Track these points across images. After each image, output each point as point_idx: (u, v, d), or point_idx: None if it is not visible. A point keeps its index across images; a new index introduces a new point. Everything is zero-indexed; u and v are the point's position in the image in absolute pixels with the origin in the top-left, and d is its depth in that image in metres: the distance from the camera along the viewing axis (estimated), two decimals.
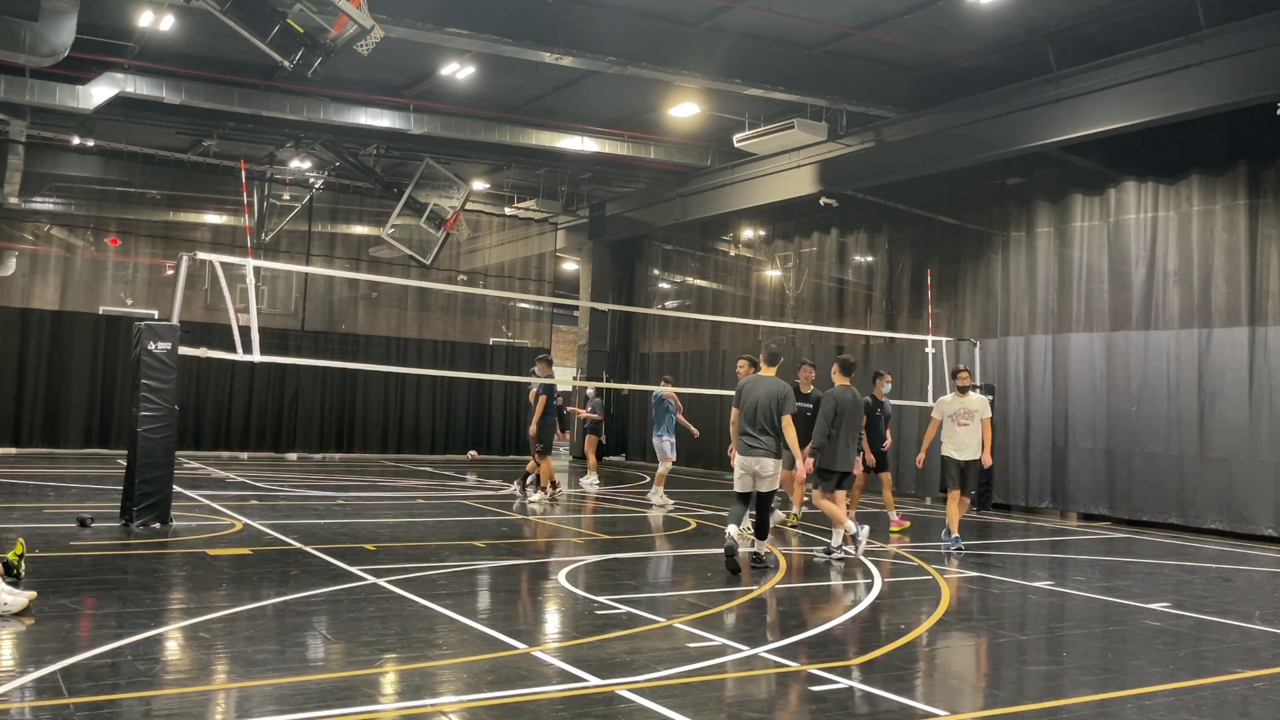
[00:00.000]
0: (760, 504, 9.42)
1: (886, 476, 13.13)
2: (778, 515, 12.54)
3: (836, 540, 10.08)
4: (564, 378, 25.19)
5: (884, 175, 17.36)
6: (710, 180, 20.83)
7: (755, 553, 9.52)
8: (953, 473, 11.13)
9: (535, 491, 14.60)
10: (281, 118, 17.92)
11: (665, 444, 15.41)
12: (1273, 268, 13.59)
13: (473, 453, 23.59)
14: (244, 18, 10.62)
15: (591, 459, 18.28)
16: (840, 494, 10.28)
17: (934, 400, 13.26)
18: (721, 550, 9.11)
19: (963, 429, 11.07)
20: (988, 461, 11.19)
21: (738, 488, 9.36)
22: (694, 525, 12.67)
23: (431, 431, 24.01)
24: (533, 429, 14.34)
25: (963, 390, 11.21)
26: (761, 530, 9.49)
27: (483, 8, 13.14)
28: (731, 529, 9.06)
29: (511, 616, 7.19)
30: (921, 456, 11.68)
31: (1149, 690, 5.69)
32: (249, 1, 10.54)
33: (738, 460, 9.32)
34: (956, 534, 11.00)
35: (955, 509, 11.09)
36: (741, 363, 12.39)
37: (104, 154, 20.89)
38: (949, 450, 11.17)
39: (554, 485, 14.97)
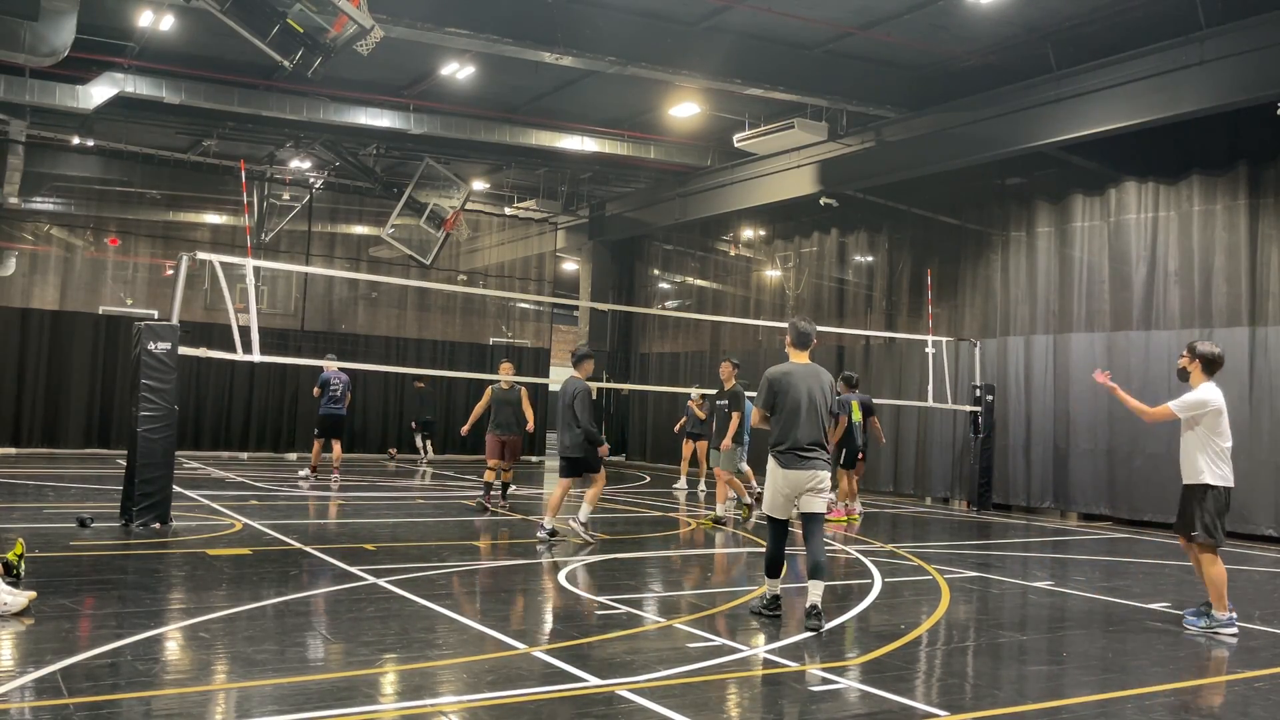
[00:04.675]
0: (812, 529, 7.07)
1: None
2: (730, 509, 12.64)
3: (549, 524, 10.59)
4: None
5: (884, 175, 17.35)
6: (710, 180, 20.83)
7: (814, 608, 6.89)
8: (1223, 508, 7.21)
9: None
10: (281, 118, 17.91)
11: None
12: (1273, 268, 13.59)
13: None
14: (244, 18, 10.62)
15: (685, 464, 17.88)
16: (565, 484, 10.57)
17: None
18: (762, 600, 7.24)
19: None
20: None
21: (779, 513, 7.09)
22: (694, 525, 12.67)
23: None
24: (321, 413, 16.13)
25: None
26: (818, 568, 6.92)
27: (483, 8, 13.13)
28: (774, 586, 7.15)
29: (511, 616, 7.19)
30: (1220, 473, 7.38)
31: (1149, 690, 5.70)
32: (249, 1, 10.55)
33: (781, 476, 7.05)
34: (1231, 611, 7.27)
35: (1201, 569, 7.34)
36: (726, 366, 12.48)
37: (104, 154, 20.87)
38: (1217, 476, 7.25)
39: (313, 471, 16.24)
